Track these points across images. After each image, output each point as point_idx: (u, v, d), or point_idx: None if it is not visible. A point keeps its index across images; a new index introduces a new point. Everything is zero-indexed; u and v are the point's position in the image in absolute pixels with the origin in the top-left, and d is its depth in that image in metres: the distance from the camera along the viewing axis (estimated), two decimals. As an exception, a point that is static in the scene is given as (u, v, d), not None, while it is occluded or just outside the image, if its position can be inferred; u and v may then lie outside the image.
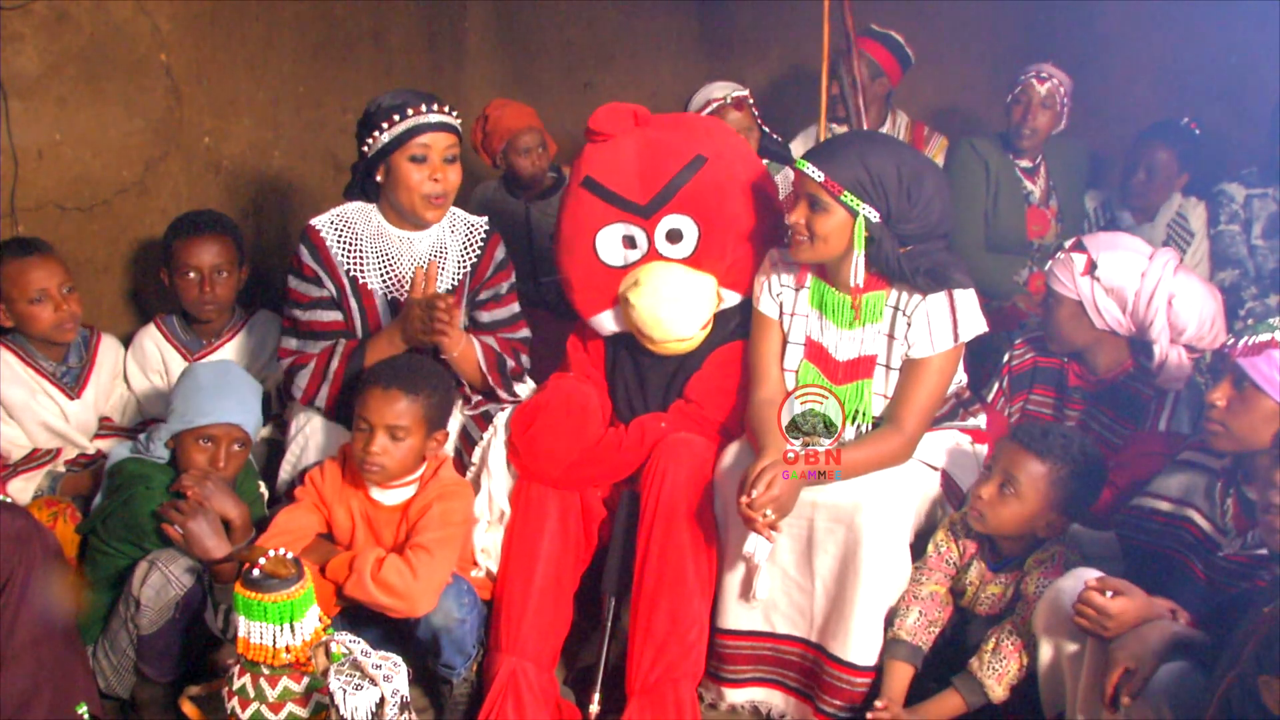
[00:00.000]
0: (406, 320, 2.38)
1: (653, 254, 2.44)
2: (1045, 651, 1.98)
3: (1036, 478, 2.10)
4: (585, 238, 2.47)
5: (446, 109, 2.42)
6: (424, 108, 2.38)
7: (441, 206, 2.46)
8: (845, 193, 2.15)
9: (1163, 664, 1.72)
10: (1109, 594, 1.83)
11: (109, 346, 2.75)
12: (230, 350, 2.87)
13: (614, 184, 2.43)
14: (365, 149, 2.41)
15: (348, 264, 2.48)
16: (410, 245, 2.52)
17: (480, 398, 2.55)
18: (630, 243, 2.46)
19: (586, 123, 2.50)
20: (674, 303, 2.38)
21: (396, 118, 2.36)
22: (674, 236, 2.43)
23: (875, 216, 2.17)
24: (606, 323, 2.53)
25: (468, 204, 3.73)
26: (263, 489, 2.49)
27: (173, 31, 3.06)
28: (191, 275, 2.75)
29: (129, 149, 2.98)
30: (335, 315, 2.49)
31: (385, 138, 2.38)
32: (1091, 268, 2.48)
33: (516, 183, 3.69)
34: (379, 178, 2.44)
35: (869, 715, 2.12)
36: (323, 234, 2.48)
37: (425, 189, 2.40)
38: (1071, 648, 1.91)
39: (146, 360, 2.82)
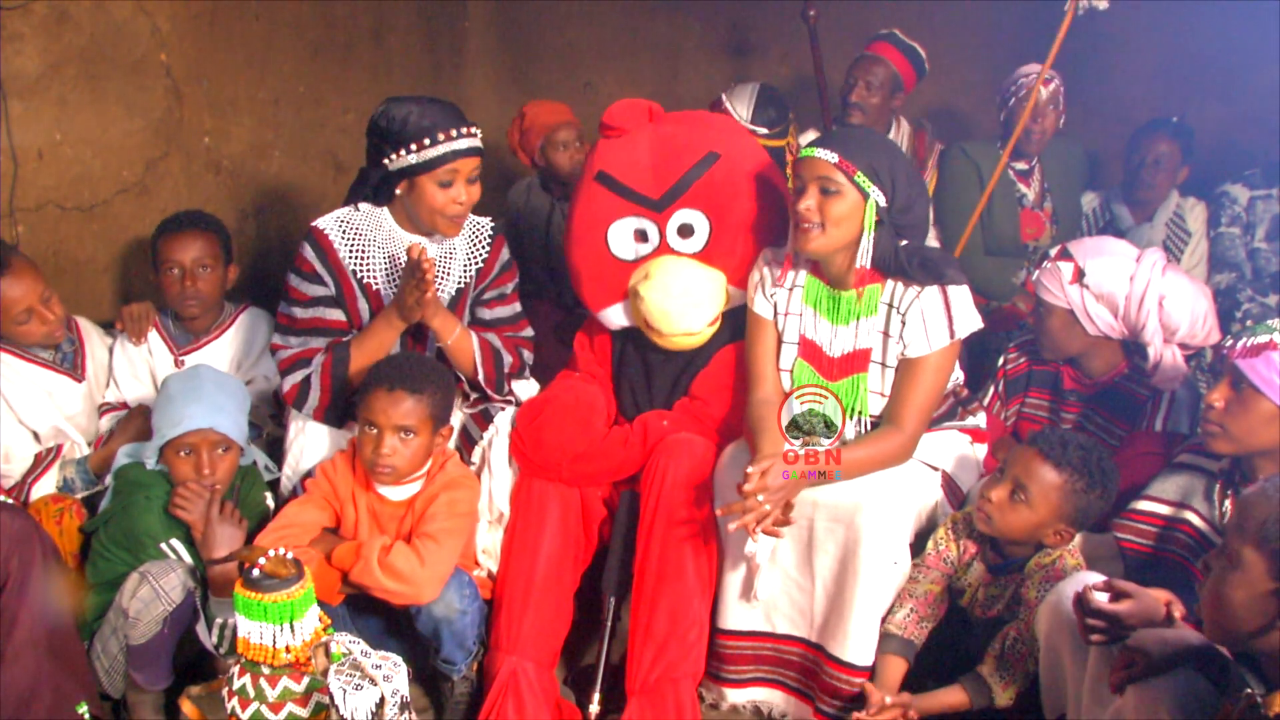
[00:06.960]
0: (400, 298, 2.35)
1: (664, 248, 2.45)
2: (1046, 654, 1.98)
3: (1049, 488, 2.07)
4: (597, 231, 2.48)
5: (472, 129, 2.39)
6: (454, 132, 2.34)
7: (460, 224, 2.46)
8: (859, 173, 2.16)
9: (1174, 666, 1.68)
10: (1105, 596, 1.82)
11: (86, 326, 2.74)
12: (218, 348, 2.84)
13: (627, 178, 2.44)
14: (387, 162, 2.37)
15: (355, 266, 2.47)
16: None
17: (478, 396, 2.55)
18: (642, 236, 2.47)
19: (600, 118, 2.52)
20: (683, 296, 2.39)
21: (428, 141, 2.32)
22: (685, 231, 2.44)
23: (883, 200, 2.18)
24: (615, 317, 2.54)
25: (503, 205, 3.70)
26: (269, 502, 2.47)
27: (173, 31, 3.06)
28: (175, 271, 2.73)
29: (129, 149, 2.98)
30: (338, 314, 2.48)
31: (414, 159, 2.34)
32: (1080, 275, 2.47)
33: (554, 178, 3.63)
34: (399, 190, 2.42)
35: (866, 686, 2.12)
36: (329, 235, 2.46)
37: (450, 211, 2.40)
38: (1073, 651, 1.90)
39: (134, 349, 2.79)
